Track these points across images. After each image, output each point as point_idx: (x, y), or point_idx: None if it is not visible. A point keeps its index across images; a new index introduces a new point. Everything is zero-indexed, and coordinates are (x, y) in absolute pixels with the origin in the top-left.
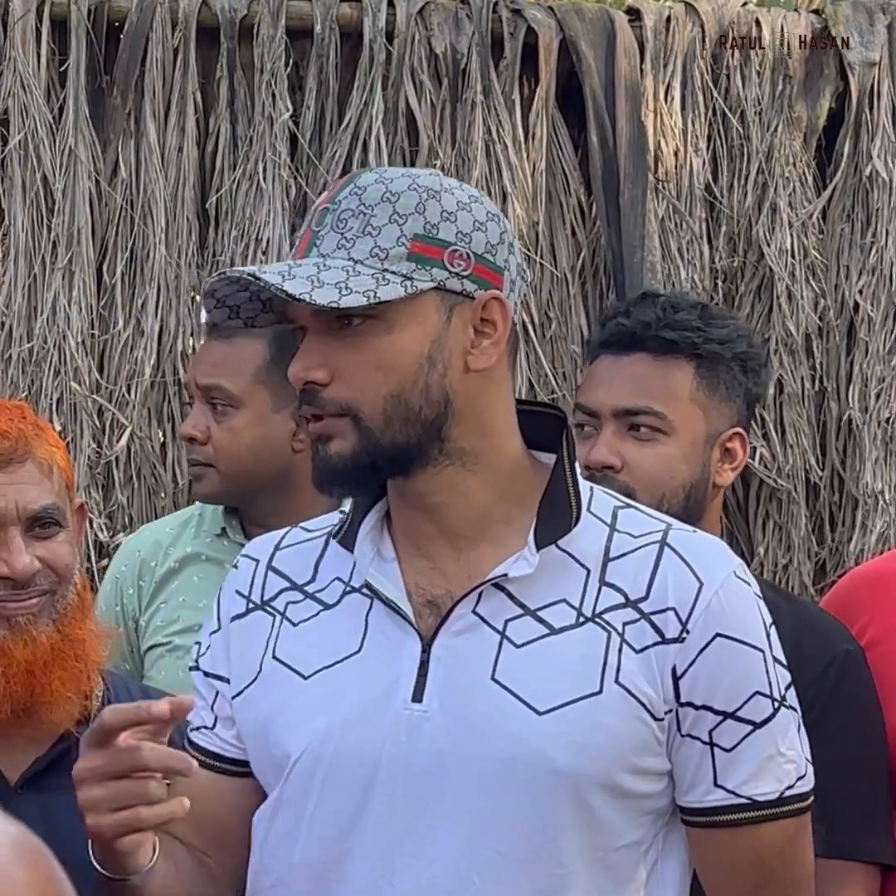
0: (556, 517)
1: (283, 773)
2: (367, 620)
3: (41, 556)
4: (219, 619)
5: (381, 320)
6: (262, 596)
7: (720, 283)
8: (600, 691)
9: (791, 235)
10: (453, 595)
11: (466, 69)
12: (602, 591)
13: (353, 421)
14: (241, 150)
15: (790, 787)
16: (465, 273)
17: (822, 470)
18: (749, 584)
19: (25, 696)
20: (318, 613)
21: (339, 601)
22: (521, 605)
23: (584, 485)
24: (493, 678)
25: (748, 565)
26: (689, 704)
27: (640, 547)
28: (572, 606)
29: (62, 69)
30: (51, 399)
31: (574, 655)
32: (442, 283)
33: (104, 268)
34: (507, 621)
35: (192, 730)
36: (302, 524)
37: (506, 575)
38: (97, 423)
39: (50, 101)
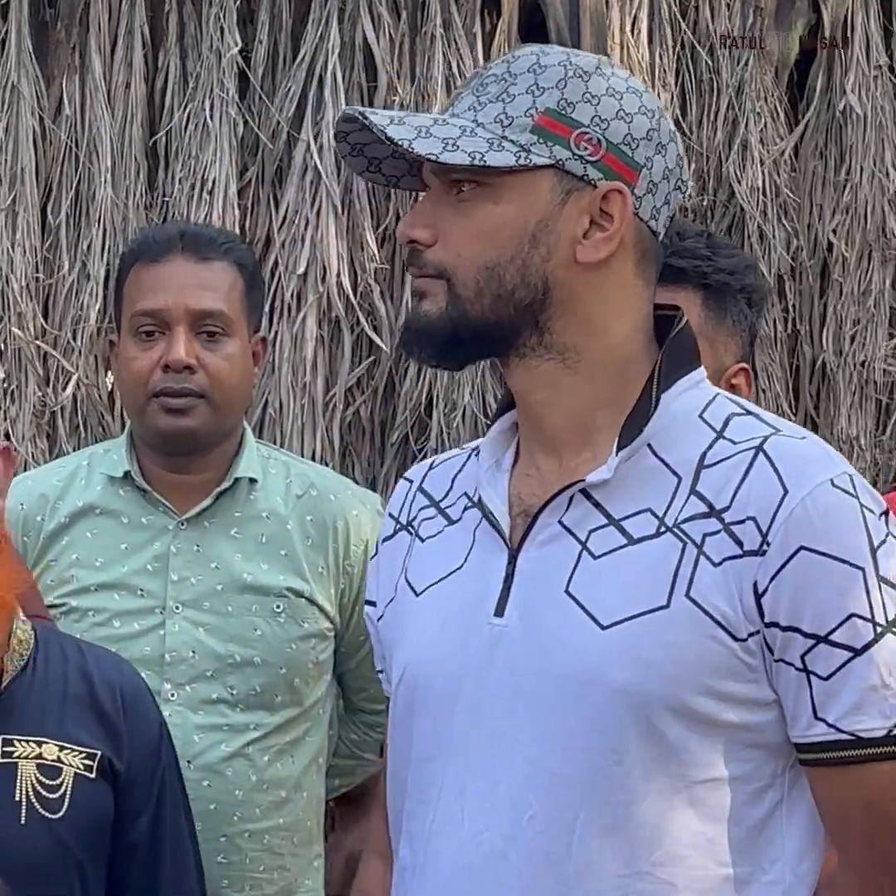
0: (637, 420)
1: (392, 691)
2: (474, 534)
3: None
4: (376, 544)
5: (489, 188)
6: (408, 516)
7: (689, 222)
8: (667, 605)
9: (762, 173)
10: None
11: (426, 1)
12: (689, 501)
13: (448, 285)
14: (190, 86)
15: None
16: (591, 158)
17: (796, 415)
18: (853, 495)
19: None
20: (443, 529)
21: (460, 517)
22: (607, 515)
23: (706, 390)
24: (566, 591)
25: None
26: (775, 625)
27: (736, 453)
28: (656, 516)
29: (4, 2)
30: None
31: (646, 567)
32: (561, 162)
33: (48, 209)
34: (590, 531)
35: (378, 674)
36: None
37: (584, 480)
38: (41, 370)
39: None
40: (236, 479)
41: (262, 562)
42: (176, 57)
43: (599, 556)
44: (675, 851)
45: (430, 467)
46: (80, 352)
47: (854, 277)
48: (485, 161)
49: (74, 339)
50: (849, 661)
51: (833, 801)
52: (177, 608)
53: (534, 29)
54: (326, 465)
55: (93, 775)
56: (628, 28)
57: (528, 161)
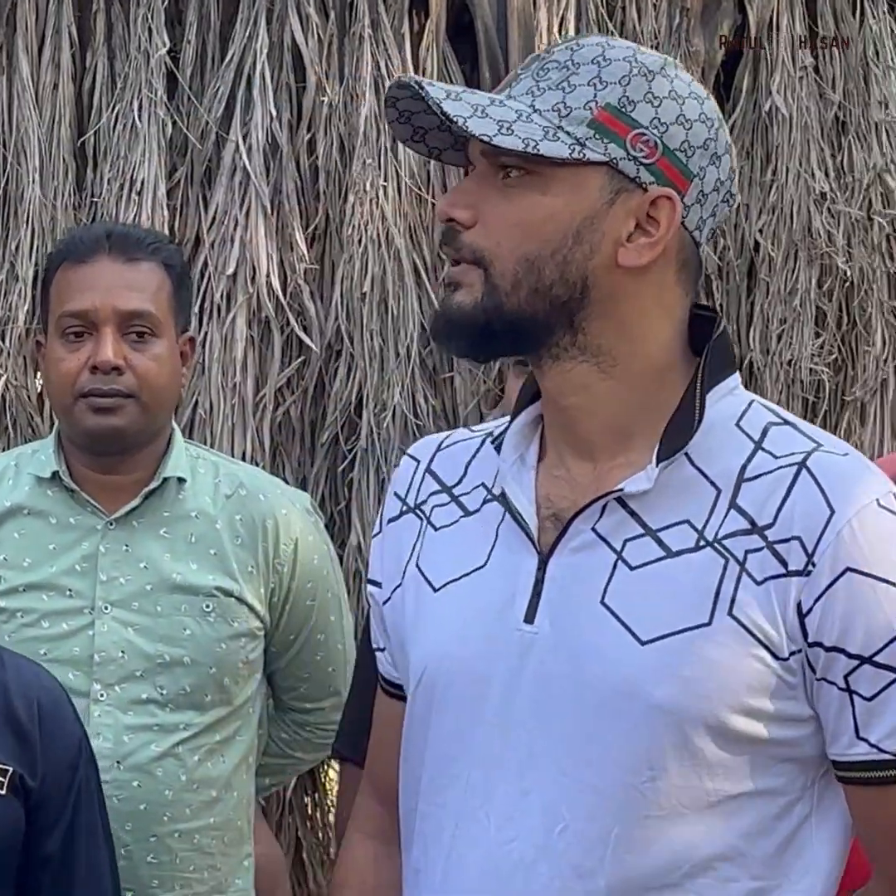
0: (681, 430)
1: (411, 689)
2: (497, 532)
3: None
4: (380, 522)
5: (538, 177)
6: (416, 498)
7: None
8: (709, 623)
9: None
10: (576, 510)
11: (354, 2)
12: (729, 515)
13: (485, 273)
14: (118, 87)
15: None
16: (645, 161)
17: None
18: None
19: None
20: (458, 520)
21: (479, 509)
22: (643, 525)
23: (741, 396)
24: (602, 602)
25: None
26: (819, 645)
27: (778, 468)
28: (695, 528)
29: None
30: None
31: (686, 583)
32: (615, 161)
33: None
34: (625, 541)
35: (376, 651)
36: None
37: (622, 489)
38: None
39: None
40: (165, 479)
41: (192, 561)
42: (104, 57)
43: (636, 568)
44: (706, 864)
45: (438, 448)
46: (8, 353)
47: (780, 277)
48: (539, 150)
49: (2, 339)
50: (893, 682)
51: (871, 818)
52: (106, 608)
53: (462, 29)
54: (257, 465)
55: (3, 792)
56: (556, 28)
57: (582, 155)
